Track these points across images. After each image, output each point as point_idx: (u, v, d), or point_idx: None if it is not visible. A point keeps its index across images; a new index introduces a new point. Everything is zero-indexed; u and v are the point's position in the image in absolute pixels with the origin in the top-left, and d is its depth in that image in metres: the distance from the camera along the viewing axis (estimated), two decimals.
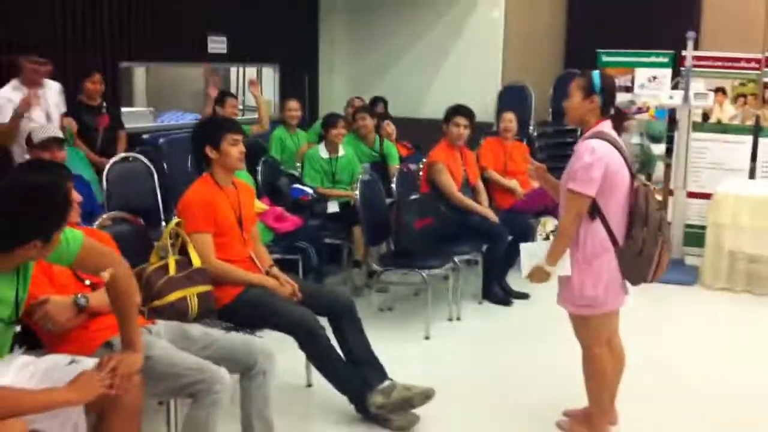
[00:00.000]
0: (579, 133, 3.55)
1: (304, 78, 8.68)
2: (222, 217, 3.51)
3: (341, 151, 5.92)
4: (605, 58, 7.11)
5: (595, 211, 3.19)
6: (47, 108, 5.31)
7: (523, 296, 5.60)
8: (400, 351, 4.47)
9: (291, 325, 3.46)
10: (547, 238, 6.20)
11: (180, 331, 2.99)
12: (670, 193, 6.64)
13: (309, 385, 3.97)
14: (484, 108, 7.96)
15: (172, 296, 3.24)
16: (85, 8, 6.52)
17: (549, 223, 6.29)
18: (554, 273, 3.32)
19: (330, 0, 9.31)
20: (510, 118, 6.38)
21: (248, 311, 3.50)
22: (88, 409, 2.46)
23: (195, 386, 2.67)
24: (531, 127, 8.08)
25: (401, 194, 5.22)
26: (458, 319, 5.14)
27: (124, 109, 7.36)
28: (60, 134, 4.08)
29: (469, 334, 4.92)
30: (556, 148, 8.05)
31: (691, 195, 6.50)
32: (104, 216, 3.66)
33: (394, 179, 5.45)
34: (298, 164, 6.09)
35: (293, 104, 6.49)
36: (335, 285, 5.50)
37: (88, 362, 2.50)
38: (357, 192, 4.93)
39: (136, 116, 7.84)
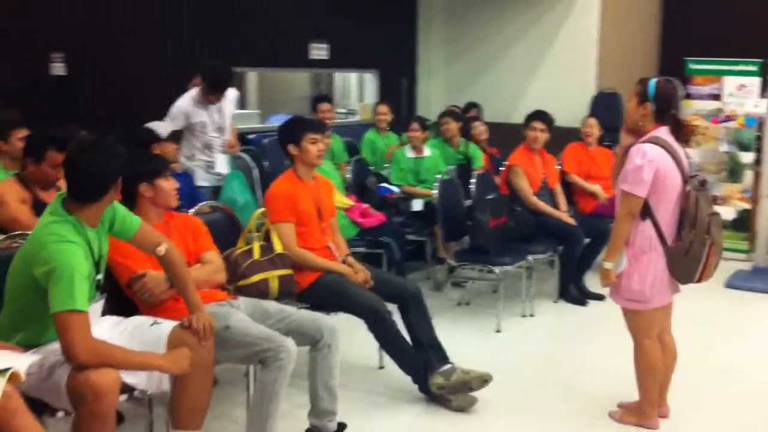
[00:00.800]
0: None
1: (402, 83, 9.03)
2: (302, 208, 3.89)
3: (426, 152, 6.24)
4: (693, 66, 7.11)
5: (645, 211, 3.38)
6: (221, 122, 5.33)
7: (599, 297, 5.74)
8: (472, 341, 4.80)
9: (361, 308, 3.80)
10: None
11: (258, 306, 3.38)
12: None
13: (381, 367, 4.29)
14: (576, 114, 8.09)
15: (255, 277, 3.63)
16: (200, 17, 7.09)
17: None
18: (614, 270, 3.52)
19: (428, 8, 9.63)
20: (591, 124, 6.53)
21: (324, 294, 3.85)
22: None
23: (264, 353, 3.05)
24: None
25: (479, 195, 5.48)
26: (531, 315, 5.35)
27: (236, 111, 7.92)
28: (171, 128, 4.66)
29: (539, 330, 5.12)
30: None
31: None
32: (201, 204, 4.10)
33: (473, 180, 5.70)
34: (387, 165, 6.45)
35: (383, 108, 6.86)
36: (418, 280, 5.81)
37: (167, 324, 2.92)
38: (436, 191, 5.24)
39: (246, 117, 8.41)
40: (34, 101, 5.73)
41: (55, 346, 2.64)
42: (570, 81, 8.74)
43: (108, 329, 2.85)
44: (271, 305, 3.41)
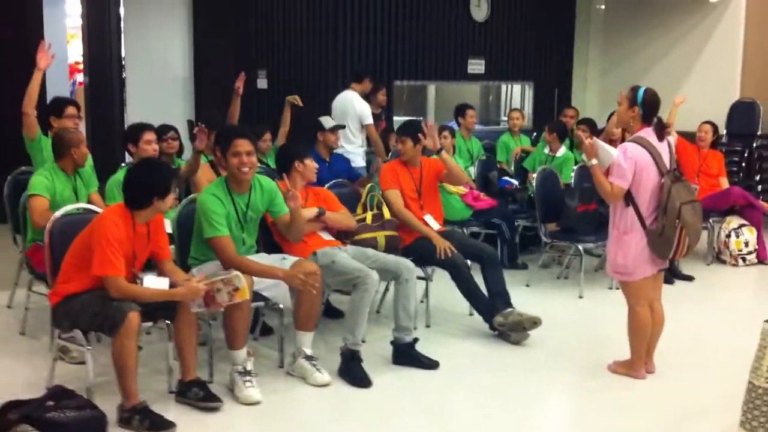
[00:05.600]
0: None
1: (554, 93, 10.09)
2: (403, 187, 5.25)
3: (561, 152, 7.31)
4: None
5: (628, 198, 4.24)
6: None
7: (689, 278, 6.59)
8: (559, 301, 6.00)
9: (446, 263, 5.10)
10: (729, 235, 7.11)
11: (361, 251, 4.79)
12: None
13: (470, 314, 5.52)
14: (717, 121, 8.73)
15: (366, 235, 5.04)
16: (369, 37, 8.66)
17: (733, 221, 7.19)
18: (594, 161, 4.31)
19: (585, 22, 10.61)
20: (705, 130, 7.36)
21: (420, 252, 5.18)
22: (293, 288, 4.32)
23: (356, 280, 4.44)
24: (724, 138, 8.74)
25: (576, 184, 6.53)
26: (617, 288, 6.28)
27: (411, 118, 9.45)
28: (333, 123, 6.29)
29: (616, 300, 6.06)
30: None
31: None
32: (333, 181, 5.61)
33: (573, 174, 6.74)
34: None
35: (515, 114, 8.06)
36: (531, 261, 6.92)
37: (292, 259, 4.40)
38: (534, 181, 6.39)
39: None
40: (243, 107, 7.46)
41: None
42: (713, 91, 9.38)
43: (259, 257, 4.41)
44: (369, 251, 4.81)
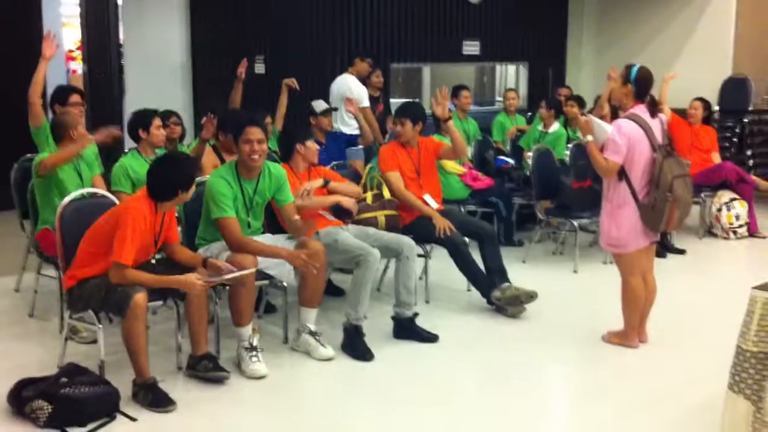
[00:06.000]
0: None
1: (548, 73, 10.19)
2: (403, 168, 5.37)
3: (554, 128, 7.43)
4: None
5: (621, 173, 4.38)
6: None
7: (681, 252, 6.75)
8: (555, 276, 6.15)
9: (445, 241, 5.23)
10: (720, 209, 7.26)
11: (362, 230, 4.92)
12: None
13: (468, 290, 5.66)
14: (710, 98, 8.86)
15: (367, 214, 5.16)
16: (366, 20, 8.75)
17: (725, 196, 7.33)
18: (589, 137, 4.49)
19: (578, 2, 10.69)
20: (696, 106, 7.48)
21: (420, 230, 5.30)
22: (297, 268, 4.45)
23: (358, 257, 4.57)
24: (716, 114, 8.89)
25: (571, 162, 6.66)
26: (611, 262, 6.42)
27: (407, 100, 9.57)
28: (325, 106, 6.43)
29: (610, 274, 6.20)
30: None
31: None
32: (334, 163, 5.74)
33: (567, 151, 6.87)
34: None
35: (511, 94, 8.19)
36: (527, 238, 7.04)
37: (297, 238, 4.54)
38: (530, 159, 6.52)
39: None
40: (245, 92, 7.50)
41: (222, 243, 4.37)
42: (706, 67, 9.48)
43: (264, 238, 4.55)
44: (371, 230, 4.94)
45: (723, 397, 3.24)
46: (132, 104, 8.45)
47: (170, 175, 4.04)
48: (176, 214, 4.40)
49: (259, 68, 9.16)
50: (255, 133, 4.40)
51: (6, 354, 4.58)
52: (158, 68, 9.96)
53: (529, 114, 9.11)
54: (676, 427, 3.76)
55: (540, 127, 7.48)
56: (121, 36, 10.13)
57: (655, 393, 4.11)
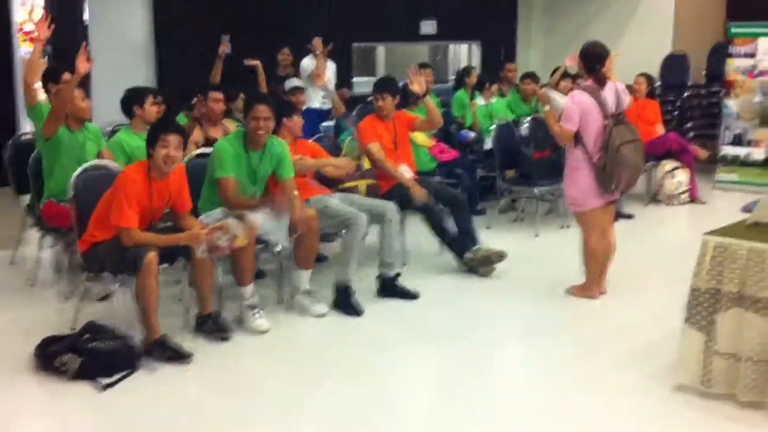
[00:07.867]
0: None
1: (500, 52, 10.70)
2: (381, 140, 5.78)
3: (493, 99, 8.03)
4: (734, 30, 8.40)
5: (577, 139, 4.89)
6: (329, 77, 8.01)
7: (630, 216, 7.34)
8: (518, 240, 6.67)
9: (421, 207, 5.68)
10: (664, 177, 7.86)
11: (348, 197, 5.34)
12: None
13: (440, 254, 6.12)
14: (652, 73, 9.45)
15: (349, 183, 5.58)
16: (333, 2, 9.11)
17: (668, 164, 7.94)
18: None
19: None
20: (640, 81, 8.08)
21: (397, 197, 5.72)
22: (292, 230, 4.85)
23: (347, 221, 4.99)
24: (657, 89, 9.43)
25: (531, 134, 7.17)
26: (568, 227, 6.97)
27: (365, 78, 9.95)
28: (300, 84, 6.73)
29: (568, 237, 6.74)
30: (709, 107, 9.45)
31: None
32: (317, 136, 6.14)
33: (526, 123, 7.37)
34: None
35: (473, 72, 8.64)
36: (489, 207, 7.54)
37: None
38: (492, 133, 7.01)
39: (370, 83, 10.45)
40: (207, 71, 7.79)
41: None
42: (649, 44, 10.11)
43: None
44: (355, 197, 5.38)
45: (679, 331, 3.77)
46: (98, 83, 8.65)
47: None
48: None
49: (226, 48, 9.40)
50: (263, 111, 4.77)
51: (17, 320, 4.86)
52: (121, 45, 10.10)
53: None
54: (636, 358, 4.29)
55: (482, 102, 8.06)
56: (87, 14, 10.22)
57: (617, 331, 4.68)
